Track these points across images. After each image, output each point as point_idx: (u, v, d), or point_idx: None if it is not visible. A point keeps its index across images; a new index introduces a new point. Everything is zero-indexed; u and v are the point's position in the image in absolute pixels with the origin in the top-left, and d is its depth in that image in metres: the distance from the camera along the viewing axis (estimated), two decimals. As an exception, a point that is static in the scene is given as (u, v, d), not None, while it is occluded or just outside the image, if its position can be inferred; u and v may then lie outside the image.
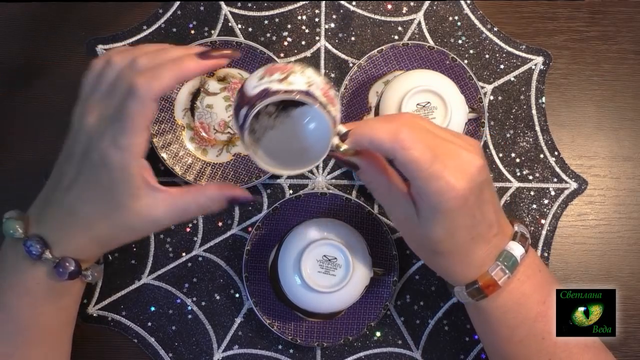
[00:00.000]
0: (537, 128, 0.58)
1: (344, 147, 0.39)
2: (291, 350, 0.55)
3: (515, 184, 0.57)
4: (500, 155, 0.57)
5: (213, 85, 0.56)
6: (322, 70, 0.58)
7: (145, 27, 0.58)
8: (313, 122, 0.42)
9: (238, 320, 0.55)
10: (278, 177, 0.56)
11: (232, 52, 0.41)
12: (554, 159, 0.57)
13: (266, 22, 0.58)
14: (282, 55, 0.58)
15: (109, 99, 0.39)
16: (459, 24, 0.59)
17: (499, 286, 0.42)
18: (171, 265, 0.56)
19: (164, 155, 0.54)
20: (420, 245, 0.44)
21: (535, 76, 0.58)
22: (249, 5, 0.59)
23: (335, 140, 0.39)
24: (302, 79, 0.38)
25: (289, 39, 0.58)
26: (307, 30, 0.58)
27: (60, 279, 0.42)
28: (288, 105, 0.40)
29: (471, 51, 0.59)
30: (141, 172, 0.39)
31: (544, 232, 0.57)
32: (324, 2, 0.59)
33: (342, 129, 0.40)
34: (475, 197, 0.40)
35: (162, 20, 0.58)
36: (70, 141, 0.42)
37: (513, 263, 0.42)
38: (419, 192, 0.39)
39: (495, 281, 0.42)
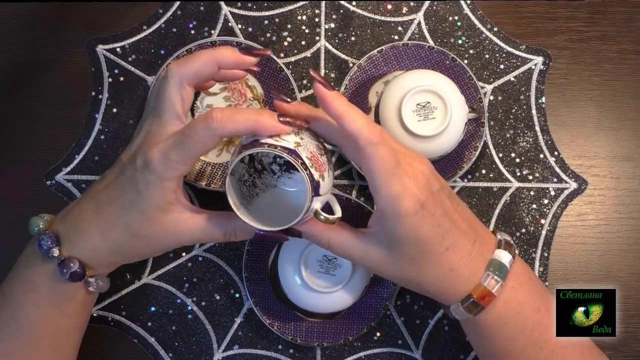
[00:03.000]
0: (537, 128, 0.58)
1: (323, 216, 0.40)
2: (291, 350, 0.55)
3: (515, 184, 0.57)
4: (500, 155, 0.57)
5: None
6: (322, 71, 0.58)
7: (145, 27, 0.58)
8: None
9: (238, 320, 0.55)
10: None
11: (264, 50, 0.43)
12: (553, 159, 0.57)
13: (266, 22, 0.58)
14: (282, 55, 0.58)
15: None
16: (459, 24, 0.59)
17: (494, 296, 0.41)
18: (171, 265, 0.56)
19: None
20: (399, 277, 0.43)
21: (535, 76, 0.58)
22: (249, 5, 0.59)
23: (317, 205, 0.39)
24: (293, 138, 0.39)
25: (289, 39, 0.58)
26: (307, 30, 0.58)
27: (61, 278, 0.41)
28: (291, 167, 0.41)
29: (471, 51, 0.59)
30: (175, 189, 0.40)
31: (544, 232, 0.57)
32: (324, 2, 0.59)
33: (322, 213, 0.40)
34: (433, 204, 0.40)
35: (162, 20, 0.58)
36: (123, 152, 0.43)
37: (503, 271, 0.42)
38: (377, 194, 0.39)
39: (490, 291, 0.41)
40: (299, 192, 0.42)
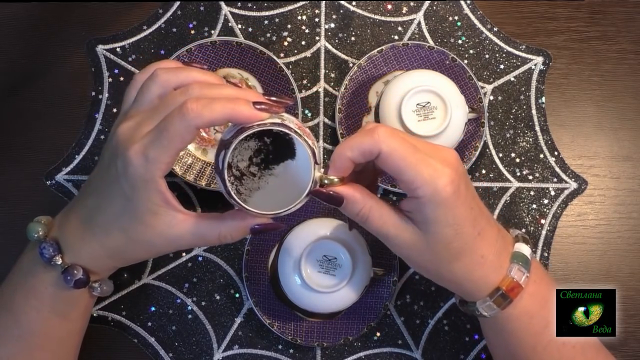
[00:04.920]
0: (537, 128, 0.58)
1: (328, 178, 0.39)
2: (291, 350, 0.55)
3: (515, 184, 0.57)
4: (500, 155, 0.57)
5: (213, 85, 0.56)
6: (322, 71, 0.58)
7: (145, 27, 0.58)
8: (298, 172, 0.41)
9: (238, 320, 0.55)
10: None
11: (286, 100, 0.40)
12: (553, 159, 0.57)
13: (266, 22, 0.58)
14: (282, 55, 0.58)
15: (151, 112, 0.39)
16: (459, 24, 0.59)
17: (521, 287, 0.41)
18: (171, 265, 0.56)
19: (164, 155, 0.54)
20: (431, 262, 0.42)
21: (535, 76, 0.58)
22: (249, 5, 0.59)
23: (318, 173, 0.39)
24: (275, 118, 0.39)
25: (289, 39, 0.58)
26: (307, 30, 0.58)
27: (66, 286, 0.41)
28: (270, 162, 0.41)
29: (471, 51, 0.59)
30: (162, 189, 0.38)
31: (544, 232, 0.57)
32: (324, 2, 0.59)
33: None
34: (465, 186, 0.39)
35: (162, 20, 0.58)
36: (103, 148, 0.42)
37: (526, 262, 0.42)
38: (411, 185, 0.38)
39: (518, 282, 0.41)
40: (286, 184, 0.42)
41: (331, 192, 0.40)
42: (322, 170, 0.40)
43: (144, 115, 0.39)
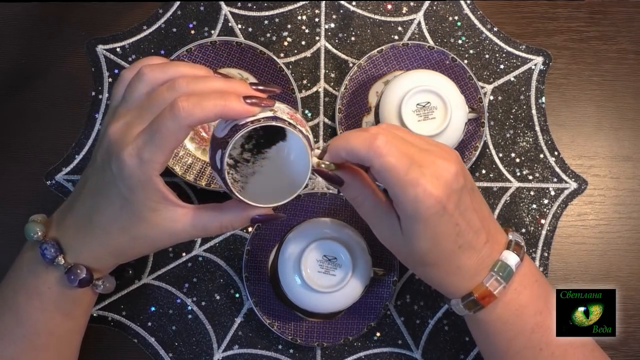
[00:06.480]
0: (537, 128, 0.58)
1: (324, 163, 0.40)
2: (291, 350, 0.55)
3: (515, 184, 0.57)
4: (500, 155, 0.57)
5: (213, 85, 0.56)
6: (322, 71, 0.58)
7: (145, 27, 0.58)
8: (290, 153, 0.42)
9: (238, 320, 0.55)
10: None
11: (273, 88, 0.40)
12: (553, 159, 0.57)
13: (266, 22, 0.58)
14: (282, 55, 0.58)
15: (139, 111, 0.39)
16: (459, 24, 0.59)
17: (495, 297, 0.41)
18: (171, 265, 0.56)
19: (164, 155, 0.54)
20: (408, 259, 0.43)
21: (535, 76, 0.58)
22: (249, 5, 0.59)
23: (314, 160, 0.40)
24: (267, 110, 0.39)
25: (289, 39, 0.58)
26: (307, 30, 0.59)
27: (70, 285, 0.41)
28: (261, 147, 0.41)
29: (471, 51, 0.59)
30: (159, 187, 0.39)
31: (544, 232, 0.57)
32: (324, 2, 0.59)
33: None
34: (454, 204, 0.39)
35: (162, 20, 0.58)
36: (95, 147, 0.42)
37: (508, 273, 0.42)
38: (396, 200, 0.39)
39: (491, 292, 0.41)
40: (280, 165, 0.42)
41: (334, 175, 0.40)
42: (319, 149, 0.41)
43: (133, 114, 0.39)
